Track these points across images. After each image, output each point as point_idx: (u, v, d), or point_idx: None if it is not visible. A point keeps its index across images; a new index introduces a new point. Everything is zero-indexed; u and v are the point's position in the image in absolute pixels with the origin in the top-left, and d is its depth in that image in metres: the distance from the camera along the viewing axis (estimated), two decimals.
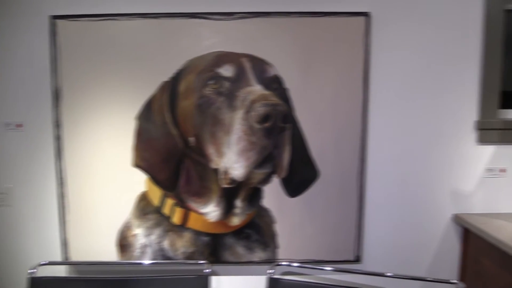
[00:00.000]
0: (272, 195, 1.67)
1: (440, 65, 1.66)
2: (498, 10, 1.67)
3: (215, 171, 1.62)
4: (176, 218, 1.68)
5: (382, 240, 1.73)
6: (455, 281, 1.52)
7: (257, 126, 1.56)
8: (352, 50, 1.62)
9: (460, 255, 1.75)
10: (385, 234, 1.72)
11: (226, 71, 1.60)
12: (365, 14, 1.61)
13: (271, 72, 1.61)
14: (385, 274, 1.60)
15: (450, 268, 1.76)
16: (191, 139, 1.62)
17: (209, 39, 1.62)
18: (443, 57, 1.66)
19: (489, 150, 1.71)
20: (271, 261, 1.70)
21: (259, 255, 1.70)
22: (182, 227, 1.68)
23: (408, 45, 1.65)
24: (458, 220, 1.70)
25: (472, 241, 1.66)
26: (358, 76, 1.63)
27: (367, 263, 1.73)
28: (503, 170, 1.73)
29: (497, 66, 1.68)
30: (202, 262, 1.67)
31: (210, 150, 1.61)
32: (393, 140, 1.68)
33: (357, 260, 1.72)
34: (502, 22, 1.67)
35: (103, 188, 1.67)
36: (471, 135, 1.70)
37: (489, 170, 1.72)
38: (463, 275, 1.72)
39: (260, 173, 1.62)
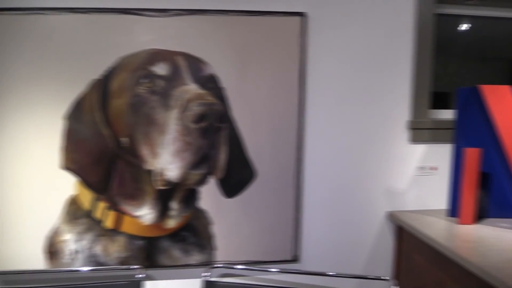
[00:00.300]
0: (209, 196, 1.64)
1: (374, 66, 1.70)
2: (428, 13, 1.73)
3: (150, 172, 1.57)
4: (109, 222, 1.61)
5: (320, 239, 1.74)
6: (386, 277, 1.56)
7: (192, 126, 1.53)
8: (288, 50, 1.62)
9: (394, 252, 1.80)
10: (323, 232, 1.74)
11: (161, 69, 1.55)
12: (301, 14, 1.62)
13: (207, 71, 1.58)
14: (320, 273, 1.61)
15: (385, 265, 1.80)
16: (124, 140, 1.56)
17: (142, 36, 1.57)
18: (377, 59, 1.70)
19: (420, 149, 1.77)
20: (209, 263, 1.67)
21: (196, 257, 1.66)
22: (115, 231, 1.61)
23: (343, 46, 1.67)
24: (392, 217, 1.74)
25: (405, 238, 1.70)
26: (294, 76, 1.63)
27: (306, 262, 1.74)
28: (434, 168, 1.80)
29: (427, 68, 1.74)
30: (135, 267, 1.61)
31: (144, 151, 1.55)
32: (330, 139, 1.70)
33: (295, 259, 1.72)
34: (432, 26, 1.73)
35: (30, 192, 1.58)
36: (404, 134, 1.75)
37: (421, 168, 1.78)
38: (398, 271, 1.77)
39: (196, 174, 1.59)
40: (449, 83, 2.00)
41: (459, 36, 2.01)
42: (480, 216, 1.69)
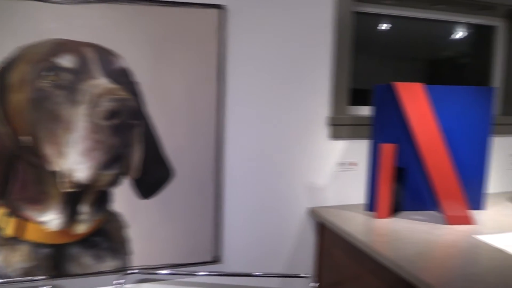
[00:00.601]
0: (123, 197, 1.53)
1: (295, 63, 1.68)
2: (347, 11, 1.74)
3: (55, 173, 1.43)
4: (10, 230, 1.45)
5: (242, 237, 1.70)
6: (307, 275, 1.55)
7: (103, 123, 1.42)
8: (207, 44, 1.56)
9: (315, 248, 1.80)
10: (245, 231, 1.70)
11: (67, 61, 1.43)
12: (219, 7, 1.56)
13: (119, 64, 1.48)
14: (241, 273, 1.57)
15: (308, 261, 1.80)
16: (26, 138, 1.41)
17: (46, 25, 1.43)
18: (297, 55, 1.68)
19: (340, 145, 1.79)
20: (123, 269, 1.56)
21: (109, 264, 1.56)
22: (17, 239, 1.46)
23: (264, 41, 1.64)
24: (312, 214, 1.74)
25: (326, 234, 1.71)
26: (213, 71, 1.57)
27: (228, 263, 1.69)
28: (353, 164, 1.82)
29: (346, 65, 1.75)
30: (39, 278, 1.47)
31: (49, 151, 1.42)
32: (250, 136, 1.66)
33: (216, 260, 1.66)
34: (350, 23, 1.74)
35: None
36: (324, 131, 1.75)
37: (341, 164, 1.80)
38: (319, 267, 1.77)
39: (108, 175, 1.48)
40: (370, 81, 2.05)
41: (380, 35, 2.06)
42: (396, 209, 1.74)
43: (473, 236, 1.46)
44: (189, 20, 1.54)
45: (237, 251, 1.70)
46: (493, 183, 2.17)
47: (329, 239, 1.69)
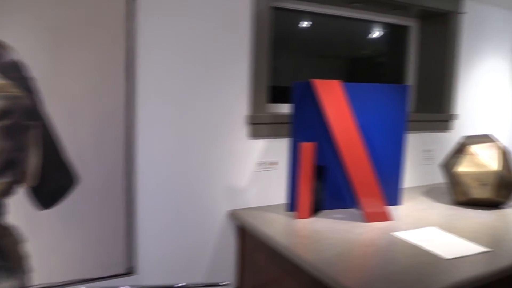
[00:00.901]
0: (19, 208, 1.35)
1: (212, 58, 1.59)
2: (265, 6, 1.68)
3: None
4: None
5: (159, 246, 1.58)
6: (226, 282, 1.48)
7: None
8: (113, 33, 1.42)
9: (237, 253, 1.73)
10: (162, 239, 1.58)
11: None
12: None
13: (9, 56, 1.30)
14: (157, 286, 1.46)
15: (230, 267, 1.73)
16: None
17: None
18: (215, 50, 1.60)
19: (260, 144, 1.73)
20: None
21: (4, 285, 1.37)
22: None
23: (178, 34, 1.53)
24: (233, 216, 1.67)
25: (247, 237, 1.64)
26: (120, 64, 1.44)
27: (144, 274, 1.57)
28: (274, 163, 1.78)
29: (265, 62, 1.70)
30: None
31: None
32: (165, 137, 1.54)
33: (130, 272, 1.53)
34: (269, 19, 1.69)
35: None
36: (243, 129, 1.68)
37: (261, 163, 1.74)
38: (241, 272, 1.71)
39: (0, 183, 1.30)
40: (291, 78, 2.01)
41: (301, 32, 2.03)
42: (317, 208, 1.72)
43: (391, 233, 1.47)
44: (93, 7, 1.39)
45: (153, 261, 1.58)
46: (408, 178, 2.24)
47: (250, 243, 1.62)
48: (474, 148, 1.84)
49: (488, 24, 2.42)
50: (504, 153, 1.82)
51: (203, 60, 1.58)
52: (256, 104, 1.69)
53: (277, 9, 1.92)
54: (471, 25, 2.34)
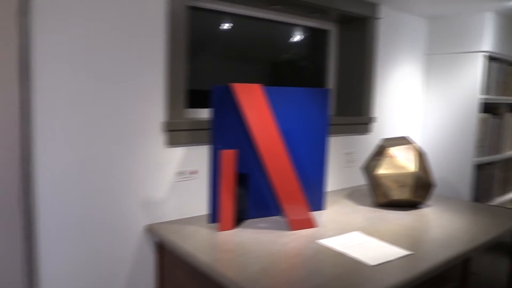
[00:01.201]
0: None
1: (122, 61, 1.45)
2: (180, 5, 1.58)
3: None
4: None
5: (67, 269, 1.41)
6: None
7: None
8: (3, 31, 1.23)
9: (156, 271, 1.60)
10: (70, 261, 1.41)
11: None
12: None
13: None
14: None
15: (149, 286, 1.59)
16: None
17: None
18: (125, 53, 1.46)
19: (179, 152, 1.62)
20: None
21: None
22: None
23: (83, 33, 1.36)
24: (151, 231, 1.54)
25: (166, 254, 1.52)
26: (13, 67, 1.25)
27: None
28: (194, 172, 1.67)
29: (181, 64, 1.59)
30: None
31: None
32: (71, 148, 1.37)
33: None
34: (185, 19, 1.58)
35: None
36: (159, 137, 1.56)
37: (181, 173, 1.63)
38: None
39: None
40: (212, 82, 1.92)
41: (222, 34, 1.95)
42: (241, 218, 1.64)
43: (317, 241, 1.42)
44: None
45: (61, 285, 1.40)
46: (331, 181, 2.24)
47: (169, 259, 1.50)
48: (392, 150, 1.87)
49: (402, 30, 2.51)
50: (420, 154, 1.87)
51: (113, 62, 1.43)
52: (172, 110, 1.58)
53: (195, 9, 1.82)
54: (387, 31, 2.41)
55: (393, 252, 1.33)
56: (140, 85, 1.50)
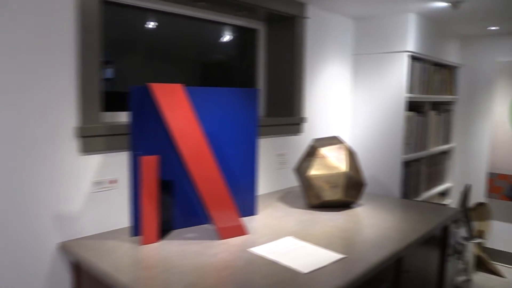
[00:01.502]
0: None
1: (26, 61, 1.28)
2: (93, 1, 1.43)
3: None
4: None
5: None
6: None
7: None
8: None
9: None
10: None
11: None
12: None
13: None
14: None
15: None
16: None
17: None
18: (30, 51, 1.29)
19: (95, 160, 1.47)
20: None
21: None
22: None
23: None
24: (65, 250, 1.38)
25: (83, 274, 1.37)
26: None
27: None
28: (113, 181, 1.53)
29: (95, 64, 1.44)
30: None
31: None
32: None
33: None
34: (98, 15, 1.44)
35: None
36: (72, 144, 1.41)
37: (98, 183, 1.48)
38: None
39: None
40: (139, 84, 1.78)
41: (148, 33, 1.82)
42: (167, 229, 1.53)
43: (248, 249, 1.34)
44: None
45: None
46: (263, 184, 2.18)
47: (87, 281, 1.35)
48: (323, 151, 1.84)
49: (331, 30, 2.51)
50: (350, 154, 1.86)
51: (15, 63, 1.26)
52: (86, 114, 1.43)
53: (114, 5, 1.68)
54: (316, 31, 2.39)
55: (326, 256, 1.28)
56: (49, 90, 1.33)
